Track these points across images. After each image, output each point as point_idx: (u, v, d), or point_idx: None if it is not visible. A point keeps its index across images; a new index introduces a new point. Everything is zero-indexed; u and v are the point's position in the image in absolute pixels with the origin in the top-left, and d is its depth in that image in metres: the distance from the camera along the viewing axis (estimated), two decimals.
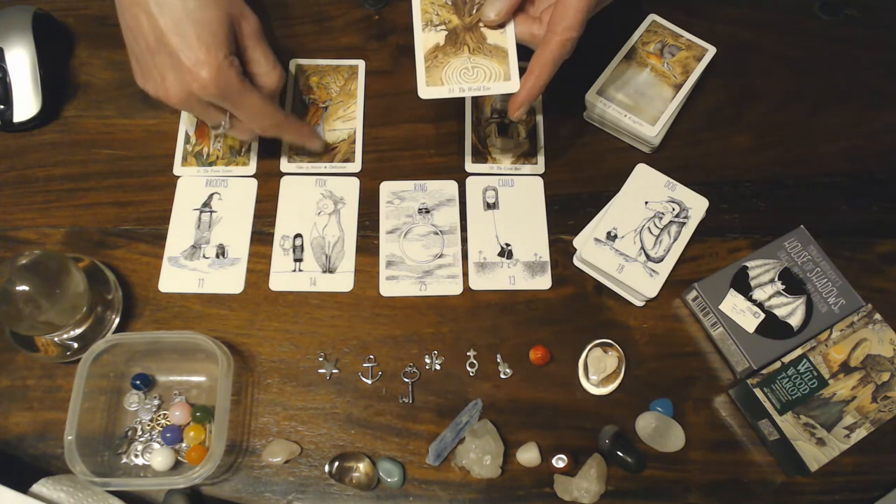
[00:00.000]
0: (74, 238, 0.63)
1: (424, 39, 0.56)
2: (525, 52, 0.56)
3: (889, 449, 0.58)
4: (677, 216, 0.62)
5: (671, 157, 0.66)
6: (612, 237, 0.61)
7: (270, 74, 0.58)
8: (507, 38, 0.56)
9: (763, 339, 0.58)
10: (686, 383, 0.60)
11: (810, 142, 0.68)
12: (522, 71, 0.56)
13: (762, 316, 0.58)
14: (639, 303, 0.62)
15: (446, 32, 0.56)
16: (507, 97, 0.59)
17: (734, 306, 0.59)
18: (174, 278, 0.61)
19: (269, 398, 0.58)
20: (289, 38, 0.70)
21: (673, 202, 0.62)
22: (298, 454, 0.57)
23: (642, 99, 0.65)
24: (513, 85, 0.56)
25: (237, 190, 0.65)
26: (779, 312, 0.59)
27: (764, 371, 0.56)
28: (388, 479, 0.56)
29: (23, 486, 0.51)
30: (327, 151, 0.66)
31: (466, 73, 0.56)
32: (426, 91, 0.56)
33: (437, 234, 0.64)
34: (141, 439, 0.57)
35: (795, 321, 0.58)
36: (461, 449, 0.56)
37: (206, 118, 0.59)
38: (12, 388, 0.58)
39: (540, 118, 0.68)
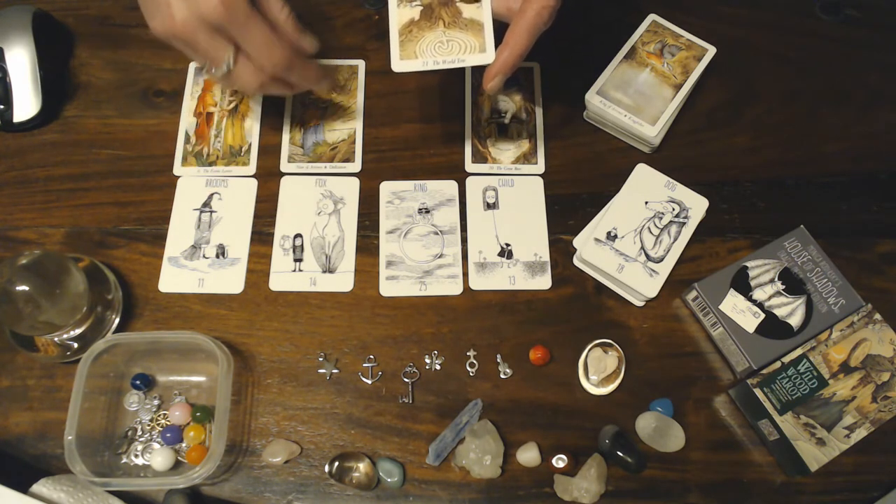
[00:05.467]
0: (74, 238, 0.63)
1: (399, 15, 0.56)
2: (502, 29, 0.55)
3: (889, 449, 0.58)
4: (677, 216, 0.62)
5: (671, 157, 0.66)
6: (612, 237, 0.61)
7: (282, 11, 0.56)
8: (482, 12, 0.56)
9: (763, 339, 0.58)
10: (686, 383, 0.60)
11: (810, 142, 0.68)
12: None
13: (762, 316, 0.58)
14: (639, 303, 0.62)
15: (421, 7, 0.56)
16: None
17: (734, 306, 0.59)
18: (174, 278, 0.61)
19: (269, 398, 0.58)
20: None
21: (673, 202, 0.62)
22: (298, 454, 0.57)
23: (642, 99, 0.65)
24: (488, 56, 0.55)
25: (237, 190, 0.65)
26: (779, 312, 0.59)
27: (764, 371, 0.56)
28: (388, 479, 0.56)
29: (23, 486, 0.51)
30: (338, 91, 0.63)
31: (441, 46, 0.55)
32: (399, 64, 0.55)
33: (437, 234, 0.64)
34: (141, 439, 0.57)
35: (795, 321, 0.58)
36: (461, 449, 0.56)
37: (209, 51, 0.54)
38: (12, 388, 0.58)
39: (540, 118, 0.68)
